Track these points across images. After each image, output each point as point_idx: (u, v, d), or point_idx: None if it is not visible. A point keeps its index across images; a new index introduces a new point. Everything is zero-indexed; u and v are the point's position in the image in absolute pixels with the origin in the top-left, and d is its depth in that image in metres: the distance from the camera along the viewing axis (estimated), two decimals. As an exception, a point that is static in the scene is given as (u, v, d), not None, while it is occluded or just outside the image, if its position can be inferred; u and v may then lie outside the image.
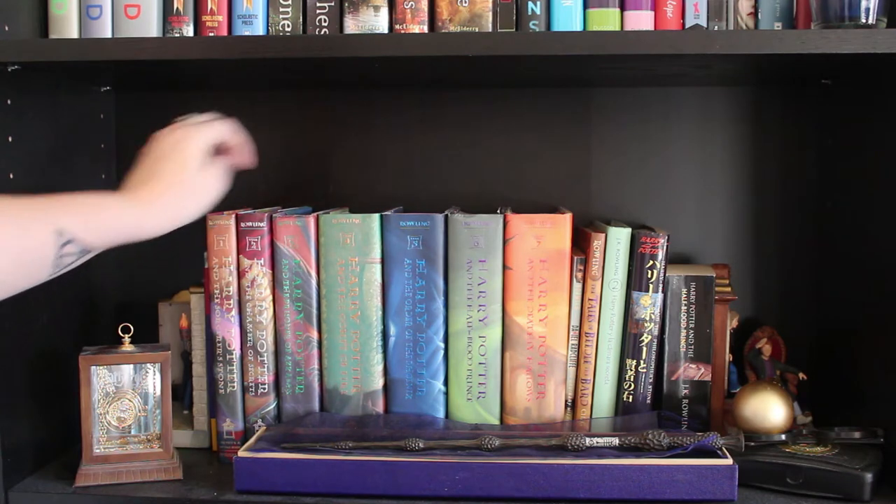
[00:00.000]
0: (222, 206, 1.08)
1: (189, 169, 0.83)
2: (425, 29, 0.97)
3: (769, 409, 0.94)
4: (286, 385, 1.00)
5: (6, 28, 0.95)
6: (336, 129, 1.20)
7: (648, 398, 0.98)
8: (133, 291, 1.20)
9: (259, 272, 0.99)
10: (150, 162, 0.83)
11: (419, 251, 0.98)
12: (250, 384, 1.00)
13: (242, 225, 0.99)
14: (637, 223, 1.12)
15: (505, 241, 0.97)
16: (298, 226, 0.99)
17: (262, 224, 0.99)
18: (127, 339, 0.98)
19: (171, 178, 0.82)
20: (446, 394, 1.00)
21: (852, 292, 1.04)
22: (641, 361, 0.98)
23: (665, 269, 0.97)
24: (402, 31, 0.97)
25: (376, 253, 0.98)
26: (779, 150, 1.16)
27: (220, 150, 0.88)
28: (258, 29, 0.99)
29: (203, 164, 0.84)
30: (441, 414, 0.99)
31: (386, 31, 0.98)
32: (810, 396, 1.10)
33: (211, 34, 0.99)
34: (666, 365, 0.98)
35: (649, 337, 0.97)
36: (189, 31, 1.00)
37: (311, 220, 0.99)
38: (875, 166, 0.98)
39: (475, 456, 0.89)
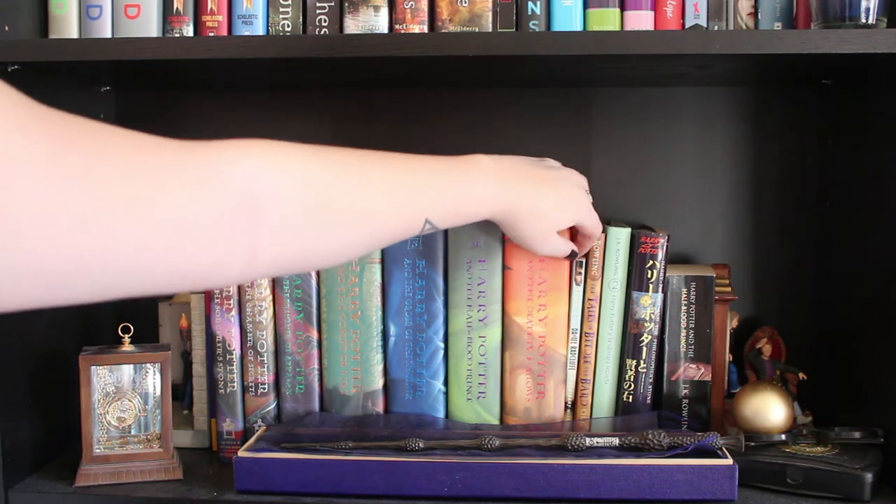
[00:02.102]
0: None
1: (558, 222, 0.89)
2: (425, 29, 0.97)
3: (769, 409, 0.94)
4: (286, 385, 1.00)
5: (6, 28, 0.95)
6: (336, 129, 1.20)
7: (648, 398, 0.98)
8: (133, 291, 1.20)
9: (259, 272, 0.99)
10: (547, 172, 0.89)
11: (419, 251, 0.98)
12: (250, 384, 1.00)
13: (242, 225, 0.99)
14: (637, 223, 1.12)
15: (504, 241, 0.97)
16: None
17: (262, 224, 0.99)
18: (127, 339, 0.98)
19: (548, 209, 0.87)
20: (446, 394, 1.00)
21: (852, 292, 1.04)
22: (641, 361, 0.98)
23: (665, 269, 0.97)
24: (402, 31, 0.97)
25: (376, 253, 0.98)
26: (779, 150, 1.16)
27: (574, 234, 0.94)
28: (258, 29, 0.99)
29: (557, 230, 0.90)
30: (441, 414, 0.99)
31: (386, 31, 0.98)
32: (810, 396, 1.11)
33: (211, 34, 0.99)
34: (666, 365, 0.98)
35: (649, 337, 0.97)
36: (189, 31, 1.00)
37: (311, 220, 0.99)
38: (875, 166, 0.98)
39: (475, 456, 0.89)
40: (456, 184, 0.80)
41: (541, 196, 0.87)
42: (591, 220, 0.92)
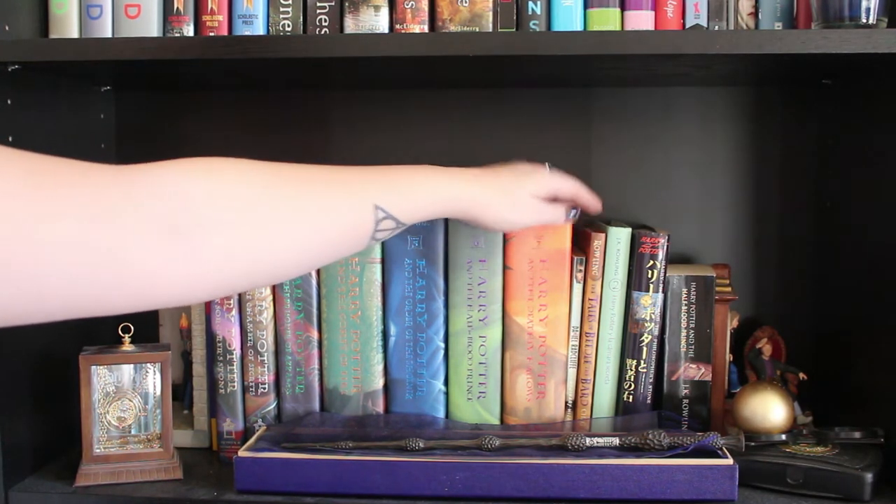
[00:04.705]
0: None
1: (530, 185, 0.89)
2: (425, 29, 0.97)
3: (769, 409, 0.94)
4: (286, 385, 1.00)
5: (6, 28, 0.95)
6: (336, 129, 1.20)
7: (648, 398, 0.98)
8: (133, 291, 1.20)
9: (259, 272, 0.99)
10: (497, 166, 0.90)
11: (419, 251, 0.98)
12: (250, 384, 1.00)
13: (242, 225, 0.99)
14: (637, 223, 1.12)
15: (505, 241, 0.97)
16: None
17: (262, 224, 0.99)
18: (127, 339, 0.98)
19: (513, 180, 0.88)
20: (446, 394, 1.00)
21: (852, 292, 1.04)
22: (642, 361, 0.98)
23: (665, 269, 0.97)
24: (403, 31, 0.97)
25: (376, 253, 0.98)
26: (779, 151, 1.16)
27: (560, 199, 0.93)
28: (258, 29, 0.99)
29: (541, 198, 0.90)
30: (441, 414, 0.99)
31: (386, 31, 0.98)
32: (810, 396, 1.11)
33: (211, 34, 0.99)
34: (666, 365, 0.99)
35: (649, 337, 0.97)
36: (189, 31, 1.00)
37: (312, 219, 0.99)
38: (875, 166, 0.98)
39: (475, 456, 0.89)
40: (406, 174, 0.80)
41: (498, 179, 0.88)
42: (564, 185, 0.92)
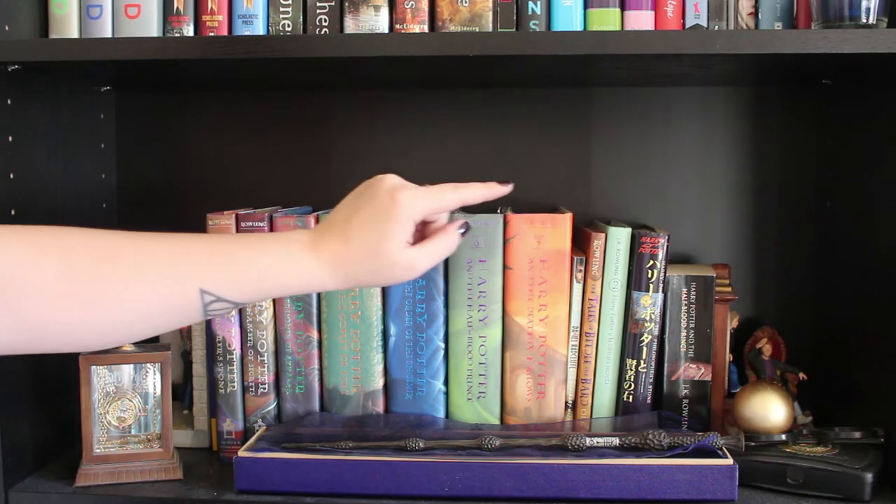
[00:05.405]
0: (222, 205, 1.08)
1: (394, 239, 0.74)
2: (425, 29, 0.97)
3: (769, 409, 0.94)
4: (286, 385, 1.00)
5: (6, 28, 0.95)
6: (336, 129, 1.20)
7: (648, 398, 0.98)
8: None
9: (259, 272, 0.99)
10: (349, 207, 0.77)
11: (419, 251, 0.97)
12: (250, 384, 1.00)
13: (243, 224, 0.99)
14: (637, 223, 1.12)
15: (505, 241, 0.97)
16: (299, 225, 0.99)
17: (262, 224, 0.99)
18: (127, 339, 0.98)
19: (367, 242, 0.74)
20: (446, 394, 1.00)
21: (852, 292, 1.04)
22: (641, 361, 0.98)
23: (665, 269, 0.97)
24: (403, 31, 0.97)
25: (376, 253, 0.98)
26: (779, 150, 1.16)
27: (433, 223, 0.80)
28: (258, 29, 0.99)
29: (409, 235, 0.76)
30: (441, 414, 0.99)
31: (386, 31, 0.98)
32: (810, 396, 1.11)
33: (211, 34, 0.99)
34: (666, 365, 0.99)
35: (649, 337, 0.97)
36: (189, 31, 1.00)
37: (312, 219, 0.99)
38: (875, 166, 0.98)
39: (475, 456, 0.89)
40: (250, 252, 0.72)
41: (355, 246, 0.75)
42: (440, 202, 0.78)
